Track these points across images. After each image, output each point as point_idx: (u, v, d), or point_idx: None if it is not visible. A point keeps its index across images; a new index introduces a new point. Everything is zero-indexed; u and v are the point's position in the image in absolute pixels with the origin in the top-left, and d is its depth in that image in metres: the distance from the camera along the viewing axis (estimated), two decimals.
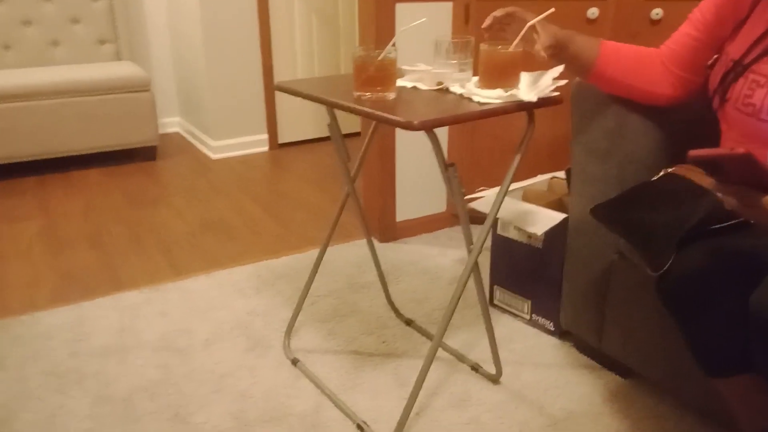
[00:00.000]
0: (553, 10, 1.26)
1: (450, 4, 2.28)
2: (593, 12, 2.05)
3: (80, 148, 3.29)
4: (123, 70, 3.34)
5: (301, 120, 3.81)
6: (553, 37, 1.24)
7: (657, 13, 1.97)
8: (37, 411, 1.50)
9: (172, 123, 4.15)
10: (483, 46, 1.27)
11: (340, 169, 3.14)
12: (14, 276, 2.18)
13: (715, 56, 1.28)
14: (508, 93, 1.22)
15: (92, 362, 1.69)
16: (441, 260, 2.28)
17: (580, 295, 1.57)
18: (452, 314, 1.33)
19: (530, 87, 1.25)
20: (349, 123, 3.81)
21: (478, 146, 2.41)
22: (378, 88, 1.27)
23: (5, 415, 1.49)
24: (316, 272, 1.70)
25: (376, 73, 1.26)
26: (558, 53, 1.28)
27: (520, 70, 1.27)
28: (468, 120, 1.21)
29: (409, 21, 2.21)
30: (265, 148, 3.74)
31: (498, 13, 1.26)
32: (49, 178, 3.23)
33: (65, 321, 1.88)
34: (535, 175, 2.01)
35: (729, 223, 1.03)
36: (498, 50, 1.25)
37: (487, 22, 1.27)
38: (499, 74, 1.26)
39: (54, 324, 1.87)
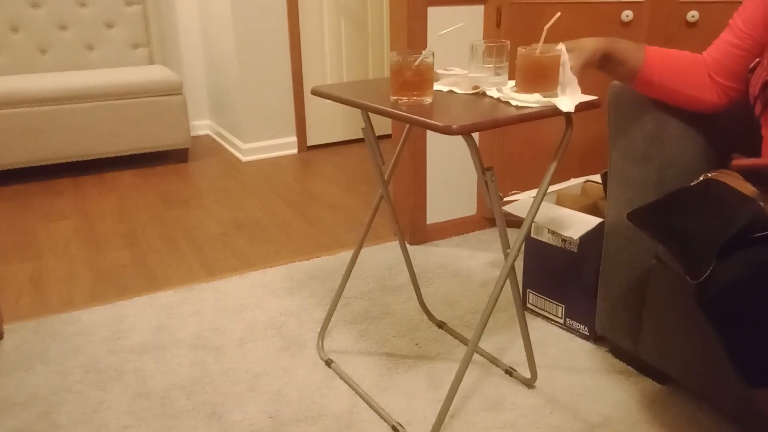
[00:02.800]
0: (559, 14, 1.25)
1: (482, 8, 2.29)
2: (627, 15, 2.04)
3: (114, 150, 3.36)
4: (156, 73, 3.40)
5: (330, 123, 3.83)
6: (581, 60, 1.23)
7: (693, 15, 1.95)
8: (78, 405, 1.54)
9: (202, 125, 4.21)
10: (521, 50, 1.27)
11: (374, 172, 3.16)
12: (53, 274, 2.24)
13: (756, 60, 1.26)
14: (546, 98, 1.22)
15: (130, 359, 1.72)
16: (471, 263, 2.28)
17: (617, 299, 1.56)
18: (488, 317, 1.33)
19: (569, 91, 1.25)
20: (380, 126, 3.83)
21: (509, 150, 2.41)
22: (415, 93, 1.28)
23: (47, 407, 1.53)
24: (350, 274, 1.72)
25: (413, 78, 1.27)
26: (592, 68, 1.27)
27: (558, 74, 1.27)
28: (506, 124, 1.21)
29: (440, 24, 2.21)
30: (294, 151, 3.77)
31: (579, 62, 1.24)
32: (84, 179, 3.30)
33: (103, 319, 1.93)
34: (569, 179, 2.00)
35: None
36: (535, 54, 1.25)
37: (572, 75, 1.24)
38: (537, 78, 1.25)
39: (92, 321, 1.91)
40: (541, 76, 1.24)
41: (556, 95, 1.23)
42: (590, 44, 1.26)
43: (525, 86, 1.27)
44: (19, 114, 3.10)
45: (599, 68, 1.30)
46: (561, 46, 1.23)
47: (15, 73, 3.46)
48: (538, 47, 1.23)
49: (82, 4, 3.54)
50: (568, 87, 1.23)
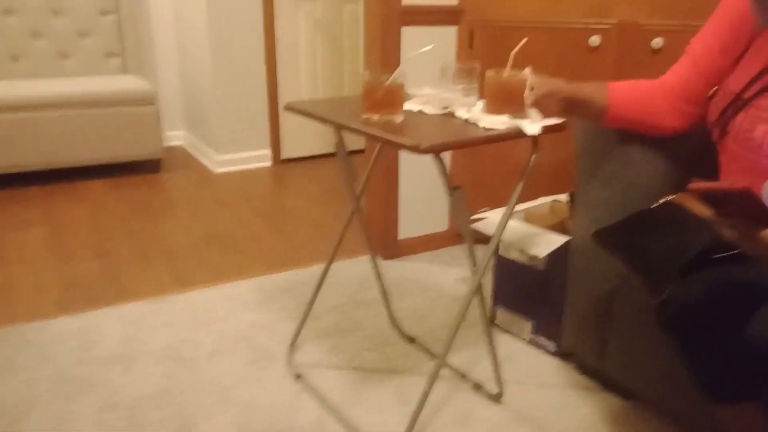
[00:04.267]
0: (526, 39, 1.30)
1: (454, 29, 2.34)
2: (595, 40, 2.10)
3: (85, 159, 3.33)
4: (129, 84, 3.39)
5: (304, 136, 3.85)
6: (550, 84, 1.26)
7: (657, 42, 2.02)
8: (46, 415, 1.52)
9: (176, 136, 4.19)
10: (489, 73, 1.31)
11: (345, 188, 3.18)
12: (20, 283, 2.20)
13: (715, 88, 1.32)
14: (514, 120, 1.26)
15: (99, 370, 1.71)
16: (443, 278, 2.31)
17: (583, 316, 1.60)
18: (455, 334, 1.35)
19: (534, 114, 1.29)
20: (354, 140, 3.86)
21: (480, 167, 2.46)
22: (386, 111, 1.31)
23: (15, 417, 1.51)
24: (320, 288, 1.73)
25: (385, 97, 1.30)
26: (557, 106, 1.28)
27: (523, 98, 1.31)
28: (473, 145, 1.24)
29: (414, 44, 2.26)
30: (268, 163, 3.77)
31: (540, 91, 1.25)
32: (53, 188, 3.26)
33: (72, 329, 1.91)
34: (537, 197, 2.05)
35: (729, 253, 1.06)
36: (503, 77, 1.29)
37: (528, 102, 1.26)
38: (505, 100, 1.29)
39: (61, 331, 1.89)
40: (507, 99, 1.28)
41: (523, 117, 1.27)
42: (557, 80, 1.29)
43: (493, 108, 1.31)
44: None
45: (567, 113, 1.33)
46: (527, 71, 1.27)
47: None
48: (505, 71, 1.28)
49: (56, 12, 3.52)
50: (533, 110, 1.27)
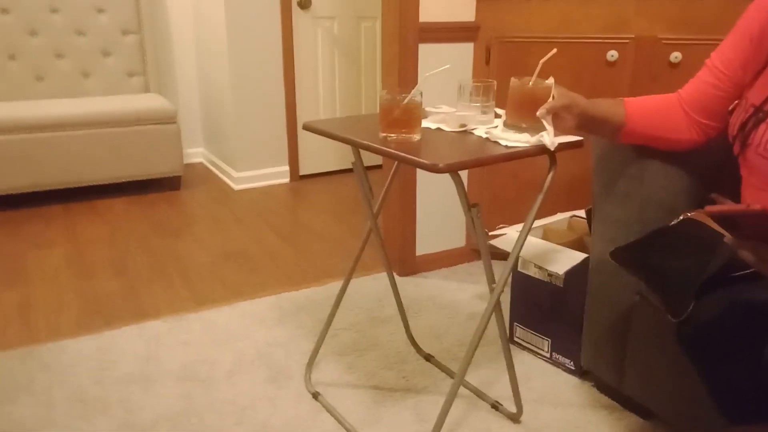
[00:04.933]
0: (555, 50, 1.29)
1: (471, 45, 2.34)
2: (613, 54, 2.09)
3: (107, 177, 3.37)
4: (151, 102, 3.44)
5: (322, 153, 3.87)
6: (569, 97, 1.26)
7: (676, 56, 2.01)
8: None
9: (196, 153, 4.24)
10: (514, 81, 1.30)
11: (363, 205, 3.18)
12: (41, 302, 2.23)
13: (736, 102, 1.30)
14: (534, 137, 1.25)
15: (116, 390, 1.72)
16: (460, 295, 2.30)
17: (601, 334, 1.58)
18: (474, 352, 1.34)
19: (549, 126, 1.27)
20: (371, 156, 3.87)
21: (497, 184, 2.45)
22: (403, 130, 1.31)
23: None
24: (339, 305, 1.73)
25: (402, 116, 1.30)
26: (568, 116, 1.26)
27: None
28: (491, 163, 1.24)
29: (431, 61, 2.26)
30: (286, 180, 3.80)
31: (559, 102, 1.24)
32: (75, 206, 3.31)
33: (90, 348, 1.92)
34: (555, 213, 2.04)
35: (747, 271, 1.05)
36: (527, 85, 1.28)
37: (541, 111, 1.24)
38: (528, 108, 1.27)
39: (79, 351, 1.91)
40: (531, 107, 1.26)
41: (542, 128, 1.25)
42: (577, 95, 1.28)
43: (515, 116, 1.30)
44: (12, 140, 3.12)
45: (583, 129, 1.32)
46: (551, 80, 1.27)
47: (10, 99, 3.49)
48: (531, 80, 1.27)
49: (79, 33, 3.59)
50: (548, 121, 1.26)
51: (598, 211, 1.53)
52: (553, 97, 1.25)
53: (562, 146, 1.26)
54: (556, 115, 1.25)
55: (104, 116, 3.28)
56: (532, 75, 1.29)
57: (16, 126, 3.12)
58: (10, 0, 3.40)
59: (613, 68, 2.12)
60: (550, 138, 1.24)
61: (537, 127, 1.26)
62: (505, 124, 1.33)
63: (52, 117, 3.18)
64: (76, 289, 2.34)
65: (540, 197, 1.32)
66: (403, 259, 2.45)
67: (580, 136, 1.32)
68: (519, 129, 1.29)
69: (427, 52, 2.25)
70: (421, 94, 1.31)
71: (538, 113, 1.23)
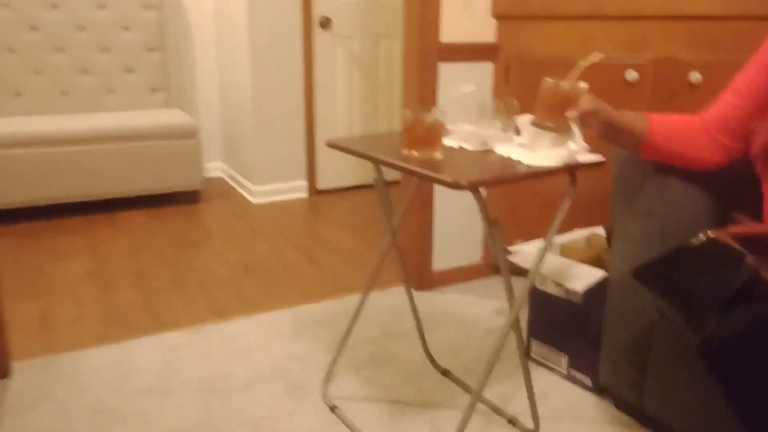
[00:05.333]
0: (601, 54, 1.29)
1: (491, 65, 2.37)
2: (632, 75, 2.11)
3: (128, 190, 3.43)
4: (172, 118, 3.50)
5: (339, 168, 3.91)
6: (597, 103, 1.27)
7: (696, 77, 2.02)
8: None
9: (215, 168, 4.29)
10: (547, 80, 1.31)
11: (384, 221, 3.20)
12: (62, 313, 2.27)
13: (756, 122, 1.31)
14: (557, 155, 1.27)
15: (135, 401, 1.74)
16: (476, 310, 2.30)
17: (621, 352, 1.58)
18: (492, 368, 1.35)
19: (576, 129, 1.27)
20: (389, 172, 3.90)
21: (515, 200, 2.46)
22: (426, 148, 1.33)
23: None
24: (357, 319, 1.74)
25: (425, 134, 1.33)
26: (594, 123, 1.28)
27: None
28: (513, 181, 1.26)
29: (451, 80, 2.29)
30: (304, 195, 3.83)
31: (587, 107, 1.26)
32: (96, 219, 3.36)
33: (110, 359, 1.95)
34: (573, 230, 2.04)
35: None
36: (559, 85, 1.29)
37: (571, 113, 1.26)
38: (558, 109, 1.28)
39: (99, 361, 1.93)
40: (562, 108, 1.27)
41: (569, 128, 1.26)
42: (605, 103, 1.30)
43: (544, 114, 1.30)
44: (37, 154, 3.19)
45: (606, 138, 1.33)
46: (584, 84, 1.28)
47: (36, 114, 3.56)
48: (567, 81, 1.28)
49: (104, 49, 3.67)
50: (575, 124, 1.26)
51: (618, 228, 1.54)
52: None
53: (582, 166, 1.28)
54: (582, 121, 1.26)
55: (127, 131, 3.34)
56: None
57: (41, 140, 3.18)
58: (37, 17, 3.49)
59: (632, 88, 2.13)
60: (578, 141, 1.24)
61: (564, 128, 1.27)
62: (533, 123, 1.33)
63: (76, 131, 3.25)
64: (96, 301, 2.37)
65: (560, 215, 1.34)
66: (419, 273, 2.46)
67: (602, 142, 1.33)
68: (546, 128, 1.29)
69: (447, 71, 2.28)
70: (445, 113, 1.33)
71: (567, 113, 1.24)
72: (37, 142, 3.18)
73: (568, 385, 1.82)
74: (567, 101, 1.26)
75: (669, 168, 1.41)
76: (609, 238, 1.70)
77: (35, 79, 3.54)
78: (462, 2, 2.27)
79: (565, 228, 2.08)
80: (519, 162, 1.30)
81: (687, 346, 1.37)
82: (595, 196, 2.34)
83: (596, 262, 1.83)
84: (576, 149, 1.25)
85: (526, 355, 1.96)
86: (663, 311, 1.44)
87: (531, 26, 2.31)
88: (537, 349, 1.93)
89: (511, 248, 1.89)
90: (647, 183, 1.45)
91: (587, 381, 1.79)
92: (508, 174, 1.24)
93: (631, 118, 1.34)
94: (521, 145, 1.37)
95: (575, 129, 1.25)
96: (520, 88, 2.33)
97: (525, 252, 1.85)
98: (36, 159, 3.19)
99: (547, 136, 1.29)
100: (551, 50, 2.26)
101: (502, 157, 1.35)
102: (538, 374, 1.88)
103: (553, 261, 1.82)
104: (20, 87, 3.52)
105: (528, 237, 2.12)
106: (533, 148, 1.32)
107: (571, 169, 1.29)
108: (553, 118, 1.28)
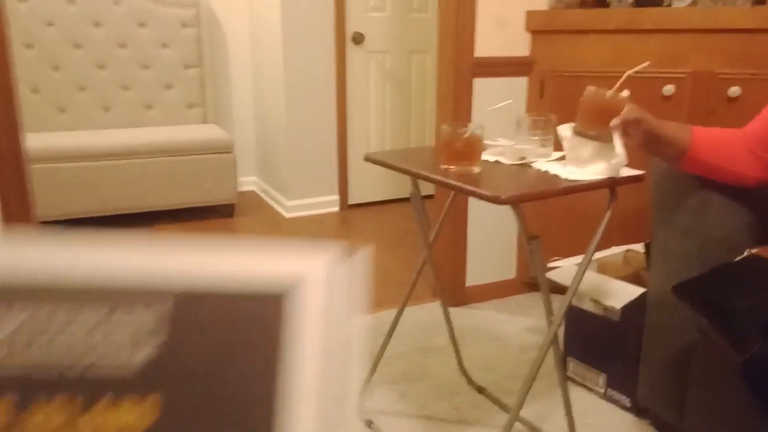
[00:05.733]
0: (648, 62, 1.29)
1: (525, 79, 2.37)
2: (669, 89, 2.09)
3: (165, 203, 3.50)
4: (209, 133, 3.57)
5: (370, 182, 3.93)
6: (641, 112, 1.26)
7: (734, 91, 1.99)
8: None
9: (249, 182, 4.35)
10: (590, 89, 1.30)
11: (414, 235, 3.21)
12: None
13: None
14: (596, 171, 1.26)
15: None
16: (511, 327, 2.29)
17: (660, 371, 1.55)
18: (530, 386, 1.34)
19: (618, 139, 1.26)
20: (423, 186, 3.91)
21: (551, 217, 2.44)
22: (464, 162, 1.34)
23: None
24: (392, 334, 1.75)
25: (463, 148, 1.34)
26: (636, 132, 1.27)
27: None
28: (552, 196, 1.26)
29: (485, 95, 2.30)
30: (336, 209, 3.86)
31: (631, 116, 1.25)
32: (135, 230, 3.43)
33: None
34: (610, 247, 2.02)
35: None
36: (602, 94, 1.28)
37: (615, 122, 1.25)
38: (601, 118, 1.27)
39: None
40: (605, 117, 1.25)
41: (610, 138, 1.25)
42: (647, 112, 1.28)
43: (586, 123, 1.29)
44: (79, 168, 3.28)
45: (647, 149, 1.32)
46: (626, 93, 1.27)
47: (79, 129, 3.67)
48: (612, 90, 1.27)
49: (144, 66, 3.77)
50: (617, 134, 1.25)
51: (657, 244, 1.52)
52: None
53: (623, 180, 1.27)
54: (624, 130, 1.25)
55: (165, 146, 3.42)
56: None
57: (84, 154, 3.28)
58: (81, 35, 3.61)
59: (669, 102, 2.11)
60: (620, 151, 1.23)
61: (606, 137, 1.26)
62: (575, 131, 1.32)
63: (117, 146, 3.34)
64: None
65: (600, 230, 1.33)
66: (453, 289, 2.46)
67: (640, 155, 1.32)
68: (589, 136, 1.29)
69: (481, 86, 2.29)
70: (482, 128, 1.34)
71: (611, 123, 1.23)
72: (79, 156, 3.27)
73: (605, 405, 1.80)
74: (609, 110, 1.25)
75: (709, 183, 1.39)
76: (648, 256, 1.68)
77: (79, 95, 3.65)
78: (496, 17, 2.28)
79: (601, 245, 2.06)
80: (557, 176, 1.30)
81: (728, 367, 1.34)
82: (630, 213, 2.31)
83: (634, 279, 1.81)
84: (618, 161, 1.24)
85: (564, 373, 1.94)
86: (703, 330, 1.41)
87: (565, 40, 2.31)
88: (574, 367, 1.90)
89: (549, 265, 1.88)
90: (687, 198, 1.43)
91: (626, 401, 1.76)
92: (548, 188, 1.24)
93: (674, 128, 1.32)
94: (559, 160, 1.37)
95: (617, 138, 1.24)
96: (555, 102, 2.32)
97: (562, 268, 1.84)
98: (78, 172, 3.28)
99: (589, 146, 1.28)
100: (586, 64, 2.25)
101: (539, 172, 1.35)
102: (575, 394, 1.86)
103: (591, 278, 1.80)
104: (64, 102, 3.63)
105: (561, 254, 2.11)
106: (574, 158, 1.31)
107: (613, 184, 1.28)
108: (596, 126, 1.27)
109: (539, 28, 2.35)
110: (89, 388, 0.26)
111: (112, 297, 0.27)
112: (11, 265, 0.27)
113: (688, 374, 1.47)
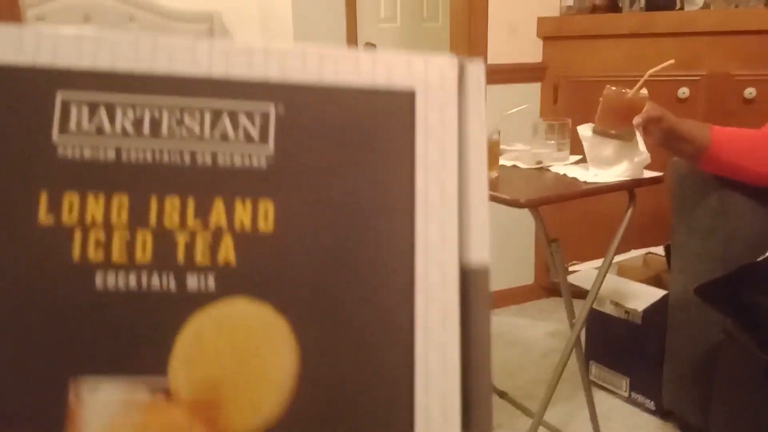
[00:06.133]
0: (672, 61, 1.29)
1: (538, 85, 2.38)
2: (684, 92, 2.09)
3: None
4: None
5: None
6: (661, 110, 1.26)
7: (750, 92, 1.99)
8: None
9: None
10: (610, 88, 1.30)
11: None
12: None
13: None
14: (615, 173, 1.26)
15: None
16: (531, 332, 2.28)
17: (684, 373, 1.54)
18: (554, 390, 1.34)
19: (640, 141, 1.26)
20: None
21: (569, 221, 2.44)
22: None
23: None
24: None
25: None
26: (658, 130, 1.27)
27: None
28: (571, 198, 1.26)
29: (498, 101, 2.29)
30: None
31: (653, 113, 1.25)
32: None
33: None
34: (629, 250, 2.01)
35: None
36: (622, 93, 1.29)
37: (638, 120, 1.24)
38: (622, 117, 1.27)
39: None
40: (625, 116, 1.25)
41: (631, 136, 1.25)
42: (667, 110, 1.28)
43: (606, 123, 1.29)
44: None
45: (666, 147, 1.32)
46: (644, 92, 1.28)
47: None
48: (633, 90, 1.27)
49: None
50: (638, 132, 1.25)
51: (677, 245, 1.51)
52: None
53: (642, 182, 1.27)
54: (644, 128, 1.25)
55: None
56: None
57: None
58: None
59: (685, 105, 2.11)
60: (641, 149, 1.23)
61: (627, 135, 1.26)
62: (595, 130, 1.32)
63: None
64: None
65: (620, 232, 1.33)
66: None
67: (659, 155, 1.32)
68: (609, 135, 1.29)
69: (494, 92, 2.30)
70: (499, 133, 1.35)
71: (634, 122, 1.23)
72: None
73: (629, 409, 1.78)
74: (630, 108, 1.25)
75: (729, 183, 1.38)
76: (668, 258, 1.67)
77: None
78: (508, 24, 2.30)
79: (621, 249, 2.05)
80: (575, 179, 1.30)
81: (755, 368, 1.33)
82: (648, 216, 2.30)
83: (655, 282, 1.80)
84: (641, 159, 1.24)
85: (587, 377, 1.93)
86: (728, 331, 1.41)
87: (578, 45, 2.31)
88: (596, 371, 1.90)
89: (569, 268, 1.88)
90: (707, 199, 1.43)
91: (650, 404, 1.75)
92: (567, 191, 1.24)
93: (693, 126, 1.32)
94: (576, 163, 1.38)
95: (639, 136, 1.24)
96: (569, 107, 2.32)
97: (582, 272, 1.84)
98: None
99: (610, 145, 1.28)
100: (600, 69, 2.25)
101: (557, 175, 1.35)
102: (599, 397, 1.85)
103: (612, 281, 1.80)
104: None
105: (581, 258, 2.10)
106: (595, 158, 1.31)
107: (632, 186, 1.28)
108: (616, 125, 1.27)
109: (551, 34, 2.35)
110: (202, 187, 0.23)
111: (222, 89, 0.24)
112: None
113: (714, 376, 1.46)
